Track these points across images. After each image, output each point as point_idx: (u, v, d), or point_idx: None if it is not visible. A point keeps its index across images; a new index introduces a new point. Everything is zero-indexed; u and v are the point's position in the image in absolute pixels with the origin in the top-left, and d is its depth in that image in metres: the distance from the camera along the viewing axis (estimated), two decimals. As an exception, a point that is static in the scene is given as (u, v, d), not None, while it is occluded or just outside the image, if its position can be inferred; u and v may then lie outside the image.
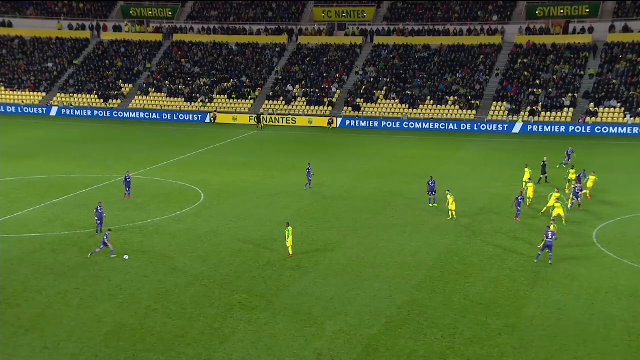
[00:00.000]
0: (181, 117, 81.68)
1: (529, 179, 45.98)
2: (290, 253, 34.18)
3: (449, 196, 40.45)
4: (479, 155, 60.25)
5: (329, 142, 67.19)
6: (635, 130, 68.29)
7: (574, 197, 42.01)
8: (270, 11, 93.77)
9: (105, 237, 33.93)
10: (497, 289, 30.07)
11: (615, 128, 69.00)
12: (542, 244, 33.36)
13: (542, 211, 41.14)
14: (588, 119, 71.33)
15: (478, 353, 24.63)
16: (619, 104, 72.27)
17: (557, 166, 53.17)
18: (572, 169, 47.32)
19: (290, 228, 34.33)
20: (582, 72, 77.29)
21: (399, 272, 32.17)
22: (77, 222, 40.05)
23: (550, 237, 32.67)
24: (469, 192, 45.86)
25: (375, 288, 30.24)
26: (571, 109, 73.33)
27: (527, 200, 42.56)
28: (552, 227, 33.33)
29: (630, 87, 73.89)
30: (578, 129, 70.08)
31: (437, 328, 26.44)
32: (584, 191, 43.41)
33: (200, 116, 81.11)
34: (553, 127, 70.91)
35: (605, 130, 69.17)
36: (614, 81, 74.99)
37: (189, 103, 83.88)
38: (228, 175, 52.47)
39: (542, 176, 49.19)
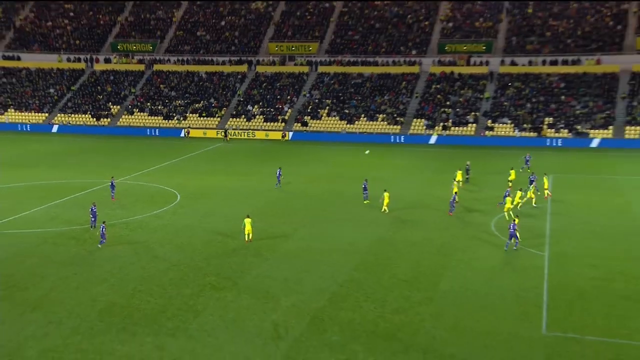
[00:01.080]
0: (160, 132, 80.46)
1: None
2: (246, 239, 34.20)
3: (385, 194, 40.79)
4: (404, 162, 60.95)
5: (283, 152, 67.08)
6: (524, 141, 69.82)
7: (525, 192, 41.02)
8: (233, 46, 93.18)
9: (102, 229, 33.44)
10: (418, 269, 30.41)
11: (508, 140, 70.46)
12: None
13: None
14: (487, 132, 72.70)
15: (403, 320, 24.90)
16: (509, 121, 73.87)
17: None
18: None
19: (248, 219, 34.47)
20: (481, 96, 78.79)
21: (340, 257, 32.29)
22: (74, 219, 39.13)
23: (512, 228, 32.77)
24: (397, 191, 46.36)
25: (321, 270, 30.30)
26: (474, 125, 74.63)
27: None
28: (516, 220, 33.40)
29: (517, 107, 75.62)
30: (480, 141, 71.35)
31: (370, 301, 26.62)
32: (545, 191, 42.34)
33: (176, 131, 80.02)
34: (461, 139, 72.04)
35: (500, 141, 70.56)
36: (505, 103, 76.59)
37: (167, 120, 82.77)
38: (200, 179, 51.92)
39: (466, 176, 49.78)
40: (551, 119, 72.76)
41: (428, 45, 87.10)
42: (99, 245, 33.32)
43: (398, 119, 77.26)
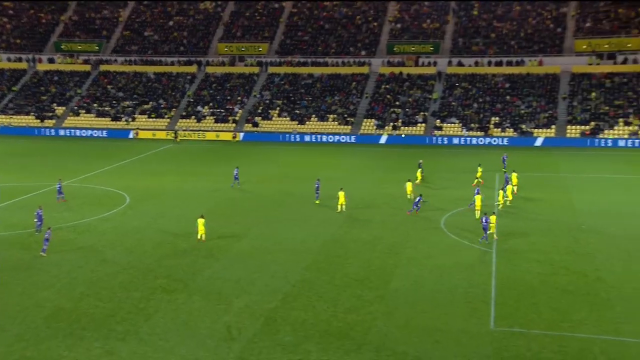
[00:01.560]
0: (108, 134, 78.70)
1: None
2: (198, 238, 33.93)
3: (341, 193, 40.95)
4: (355, 162, 61.30)
5: (234, 153, 66.56)
6: (472, 140, 71.27)
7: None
8: (182, 46, 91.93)
9: (46, 234, 32.35)
10: (369, 268, 30.65)
11: (457, 139, 71.78)
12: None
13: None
14: (436, 132, 73.90)
15: (355, 319, 25.06)
16: (457, 121, 75.28)
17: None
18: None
19: (201, 219, 34.23)
20: (430, 96, 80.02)
21: (292, 256, 32.26)
22: (18, 223, 37.88)
23: (484, 222, 33.94)
24: (349, 190, 46.47)
25: (273, 270, 30.20)
26: (423, 125, 75.74)
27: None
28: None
29: (465, 107, 77.13)
30: (429, 140, 72.39)
31: (323, 301, 26.68)
32: (508, 187, 42.71)
33: (124, 133, 78.43)
34: (410, 138, 72.88)
35: (448, 141, 71.79)
36: (453, 103, 78.04)
37: (114, 122, 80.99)
38: (150, 181, 51.03)
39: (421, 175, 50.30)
40: (497, 118, 74.47)
41: (377, 46, 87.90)
42: (42, 254, 32.16)
43: (348, 119, 77.72)
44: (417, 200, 40.49)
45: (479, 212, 38.37)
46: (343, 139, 74.16)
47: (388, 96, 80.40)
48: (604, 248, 33.07)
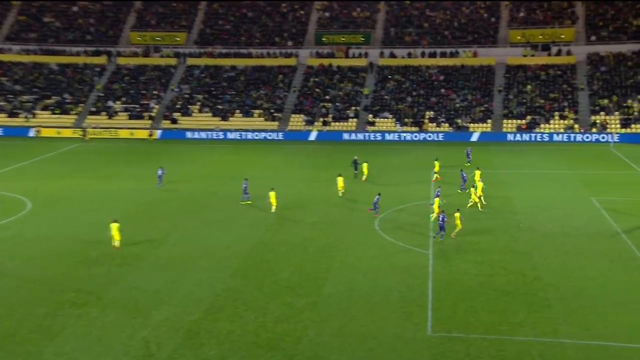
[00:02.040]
0: (4, 131, 75.44)
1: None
2: (112, 245, 33.15)
3: (271, 193, 40.93)
4: (283, 160, 61.31)
5: (151, 152, 65.24)
6: (406, 136, 72.61)
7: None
8: (89, 34, 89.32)
9: None
10: (301, 273, 30.74)
11: (390, 135, 72.99)
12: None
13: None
14: (369, 127, 74.91)
15: (286, 329, 25.08)
16: (391, 116, 76.59)
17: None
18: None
19: (115, 224, 33.43)
20: (361, 89, 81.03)
21: (217, 263, 31.96)
22: None
23: (441, 220, 35.09)
24: (278, 190, 46.50)
25: (196, 278, 29.83)
26: (355, 120, 76.61)
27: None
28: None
29: (398, 101, 78.59)
30: (362, 136, 73.28)
31: (250, 310, 26.56)
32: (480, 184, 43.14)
33: (23, 131, 75.42)
34: (342, 134, 73.62)
35: (381, 136, 72.88)
36: (386, 97, 79.38)
37: (11, 118, 77.74)
38: (56, 184, 49.30)
39: (355, 172, 50.96)
40: (432, 112, 76.25)
41: (304, 36, 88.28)
42: None
43: (275, 114, 77.66)
44: (375, 200, 40.81)
45: (435, 215, 38.69)
46: (270, 135, 74.03)
47: (317, 90, 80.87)
48: (542, 246, 34.45)
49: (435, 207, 38.88)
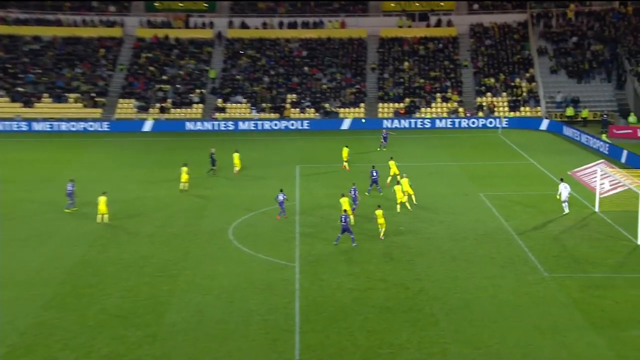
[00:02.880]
0: None
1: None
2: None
3: (101, 198, 40.12)
4: (109, 157, 59.69)
5: None
6: (264, 125, 72.89)
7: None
8: None
9: None
10: (136, 298, 30.05)
11: (245, 123, 72.98)
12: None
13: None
14: (218, 114, 74.59)
15: (118, 369, 24.43)
16: (245, 100, 76.77)
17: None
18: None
19: None
20: (208, 68, 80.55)
21: (22, 292, 30.54)
22: None
23: (343, 221, 36.26)
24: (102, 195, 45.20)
25: (-6, 314, 28.31)
26: (201, 105, 76.02)
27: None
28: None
29: (253, 82, 78.89)
30: (210, 125, 72.71)
31: (70, 349, 25.61)
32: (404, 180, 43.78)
33: None
34: (185, 124, 72.72)
35: (234, 125, 72.59)
36: (238, 77, 79.46)
37: None
38: None
39: (212, 168, 51.01)
40: (294, 96, 77.24)
41: None
42: None
43: (98, 99, 75.45)
44: (280, 199, 40.69)
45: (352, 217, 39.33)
46: (92, 126, 71.89)
47: (151, 68, 79.53)
48: (426, 252, 35.83)
49: (346, 207, 38.69)
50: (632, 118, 68.33)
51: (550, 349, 25.63)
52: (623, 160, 54.89)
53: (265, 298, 30.13)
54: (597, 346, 25.85)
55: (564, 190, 41.97)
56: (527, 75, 78.33)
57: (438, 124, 73.20)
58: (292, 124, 73.23)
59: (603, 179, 43.80)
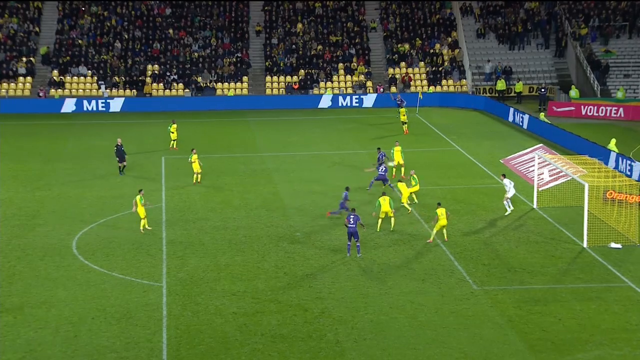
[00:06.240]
0: None
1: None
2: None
3: None
4: None
5: None
6: (116, 107, 71.48)
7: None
8: None
9: None
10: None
11: (91, 103, 71.18)
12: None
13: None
14: (53, 91, 72.74)
15: None
16: (90, 72, 75.07)
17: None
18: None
19: None
20: (38, 28, 78.42)
21: None
22: None
23: (352, 222, 36.11)
24: None
25: None
26: (29, 79, 74.00)
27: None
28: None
29: (101, 49, 77.22)
30: (41, 105, 70.90)
31: None
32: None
33: None
34: (8, 103, 70.65)
35: (76, 105, 71.01)
36: (80, 41, 77.59)
37: None
38: None
39: (122, 163, 50.23)
40: (157, 67, 76.20)
41: None
42: None
43: None
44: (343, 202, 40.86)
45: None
46: None
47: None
48: (329, 265, 35.80)
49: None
50: (573, 92, 70.08)
51: (483, 380, 26.09)
52: (565, 144, 56.23)
53: (122, 330, 29.51)
54: (539, 376, 26.47)
55: (511, 186, 41.97)
56: (449, 40, 79.75)
57: (341, 102, 73.56)
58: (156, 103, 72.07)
59: (542, 168, 44.75)
